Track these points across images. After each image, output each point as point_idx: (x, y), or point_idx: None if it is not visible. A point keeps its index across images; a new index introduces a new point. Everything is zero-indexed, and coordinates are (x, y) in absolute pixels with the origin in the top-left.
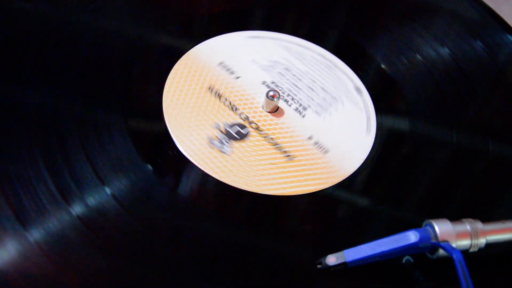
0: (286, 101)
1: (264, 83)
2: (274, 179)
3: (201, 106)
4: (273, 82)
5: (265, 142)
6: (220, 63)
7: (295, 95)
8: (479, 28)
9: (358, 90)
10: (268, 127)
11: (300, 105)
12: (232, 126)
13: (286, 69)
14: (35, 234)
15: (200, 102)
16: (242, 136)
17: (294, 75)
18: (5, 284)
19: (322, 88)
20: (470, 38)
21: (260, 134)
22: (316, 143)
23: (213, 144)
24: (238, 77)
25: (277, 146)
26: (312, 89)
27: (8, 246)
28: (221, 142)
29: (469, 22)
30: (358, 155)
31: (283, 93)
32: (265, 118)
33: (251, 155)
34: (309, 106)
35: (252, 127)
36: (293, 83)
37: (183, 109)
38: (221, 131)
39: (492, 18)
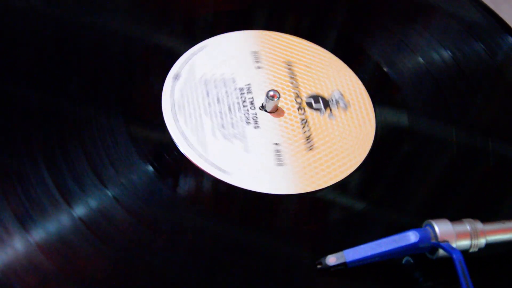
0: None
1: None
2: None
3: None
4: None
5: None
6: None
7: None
8: (479, 28)
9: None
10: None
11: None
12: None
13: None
14: (36, 236)
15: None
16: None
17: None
18: (5, 284)
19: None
20: (470, 38)
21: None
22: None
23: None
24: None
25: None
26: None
27: (9, 247)
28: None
29: (469, 22)
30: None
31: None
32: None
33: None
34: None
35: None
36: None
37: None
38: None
39: (492, 18)
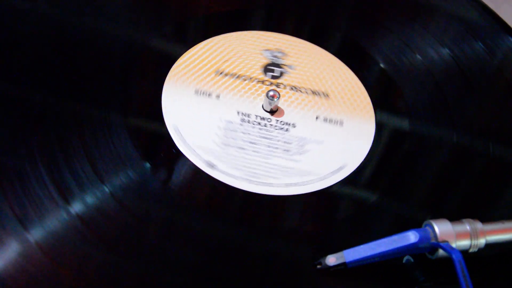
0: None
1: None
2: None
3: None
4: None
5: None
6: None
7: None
8: (479, 28)
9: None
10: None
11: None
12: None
13: None
14: (34, 233)
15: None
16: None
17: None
18: (4, 283)
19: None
20: (469, 38)
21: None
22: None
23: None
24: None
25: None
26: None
27: (8, 245)
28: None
29: (468, 22)
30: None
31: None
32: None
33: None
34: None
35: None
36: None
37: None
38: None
39: (492, 18)
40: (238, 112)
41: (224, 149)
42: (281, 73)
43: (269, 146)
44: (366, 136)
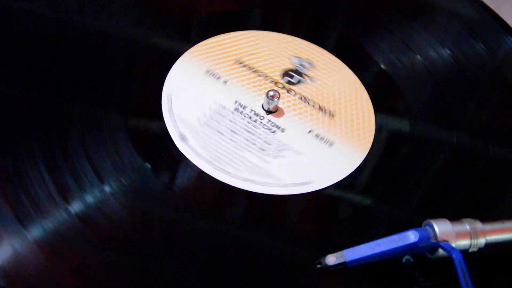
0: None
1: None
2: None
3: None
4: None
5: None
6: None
7: None
8: (479, 28)
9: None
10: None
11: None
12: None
13: None
14: (34, 233)
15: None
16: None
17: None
18: (4, 283)
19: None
20: (470, 38)
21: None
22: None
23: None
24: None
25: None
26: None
27: (7, 244)
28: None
29: (469, 22)
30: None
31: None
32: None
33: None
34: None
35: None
36: None
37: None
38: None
39: (492, 18)
40: (235, 101)
41: (203, 128)
42: (299, 81)
43: (247, 140)
44: (350, 163)
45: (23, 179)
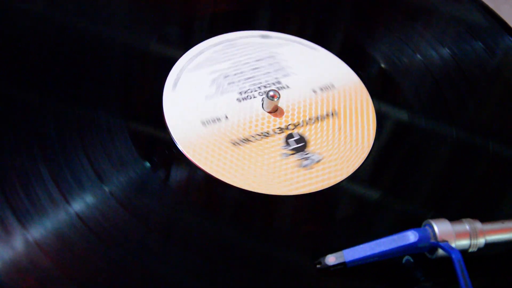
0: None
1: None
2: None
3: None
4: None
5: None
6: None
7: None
8: (479, 28)
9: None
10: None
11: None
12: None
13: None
14: (34, 233)
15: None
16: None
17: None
18: (4, 283)
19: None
20: (469, 38)
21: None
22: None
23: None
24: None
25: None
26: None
27: (7, 245)
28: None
29: (468, 22)
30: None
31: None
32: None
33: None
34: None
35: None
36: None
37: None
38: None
39: (492, 18)
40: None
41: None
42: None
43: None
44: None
45: (23, 179)
